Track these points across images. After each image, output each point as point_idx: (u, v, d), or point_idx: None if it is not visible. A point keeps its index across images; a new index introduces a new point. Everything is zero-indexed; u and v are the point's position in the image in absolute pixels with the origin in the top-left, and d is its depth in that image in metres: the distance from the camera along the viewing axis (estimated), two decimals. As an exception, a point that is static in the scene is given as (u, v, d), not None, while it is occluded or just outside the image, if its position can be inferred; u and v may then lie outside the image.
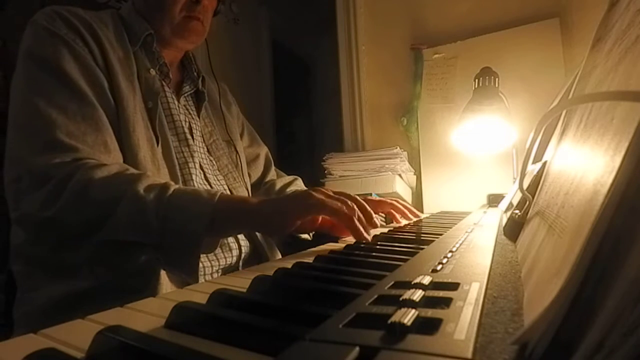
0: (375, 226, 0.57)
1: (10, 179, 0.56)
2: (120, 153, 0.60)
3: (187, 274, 0.53)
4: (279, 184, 0.91)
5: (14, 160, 0.56)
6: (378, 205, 0.75)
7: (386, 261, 0.36)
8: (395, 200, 0.77)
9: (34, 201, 0.52)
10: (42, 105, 0.55)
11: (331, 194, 0.54)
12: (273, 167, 0.99)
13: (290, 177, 0.97)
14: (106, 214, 0.51)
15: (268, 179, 0.95)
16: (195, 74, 0.80)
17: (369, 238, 0.52)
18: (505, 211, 0.75)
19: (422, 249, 0.40)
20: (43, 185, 0.52)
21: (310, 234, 0.79)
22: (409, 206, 0.78)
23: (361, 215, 0.54)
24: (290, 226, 0.52)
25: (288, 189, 0.90)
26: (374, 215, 0.57)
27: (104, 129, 0.58)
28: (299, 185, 0.95)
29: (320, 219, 0.61)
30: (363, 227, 0.52)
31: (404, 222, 0.79)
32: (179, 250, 0.50)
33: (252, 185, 0.90)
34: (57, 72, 0.57)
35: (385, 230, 0.67)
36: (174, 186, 0.53)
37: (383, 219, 0.86)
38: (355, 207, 0.53)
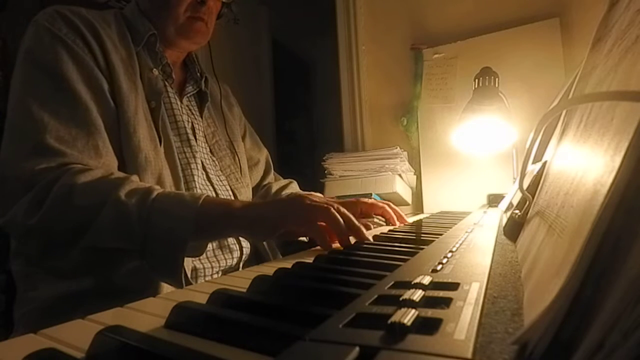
0: (361, 237, 0.51)
1: None
2: (113, 157, 0.60)
3: (171, 279, 0.52)
4: (274, 187, 0.92)
5: (2, 162, 0.55)
6: (370, 207, 0.76)
7: (386, 261, 0.36)
8: (386, 204, 0.77)
9: (18, 208, 0.52)
10: (35, 108, 0.54)
11: (318, 201, 0.51)
12: (272, 171, 0.99)
13: (286, 181, 0.97)
14: (89, 220, 0.50)
15: (266, 182, 0.96)
16: (198, 74, 0.80)
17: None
18: (505, 211, 0.75)
19: (422, 249, 0.40)
20: (26, 191, 0.52)
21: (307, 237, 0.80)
22: (398, 211, 0.78)
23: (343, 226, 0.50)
24: (274, 232, 0.51)
25: (283, 192, 0.91)
26: (356, 222, 0.52)
27: (96, 132, 0.57)
28: (294, 188, 0.95)
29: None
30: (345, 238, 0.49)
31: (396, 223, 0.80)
32: (162, 255, 0.50)
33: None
34: (53, 75, 0.57)
35: (385, 230, 0.67)
36: (157, 190, 0.52)
37: (383, 220, 0.87)
38: (339, 218, 0.49)
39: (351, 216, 0.51)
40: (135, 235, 0.49)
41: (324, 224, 0.50)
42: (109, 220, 0.49)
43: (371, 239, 0.52)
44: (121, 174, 0.56)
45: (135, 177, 0.57)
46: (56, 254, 0.54)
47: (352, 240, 0.51)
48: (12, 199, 0.53)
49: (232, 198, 0.78)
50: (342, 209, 0.51)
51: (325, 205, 0.50)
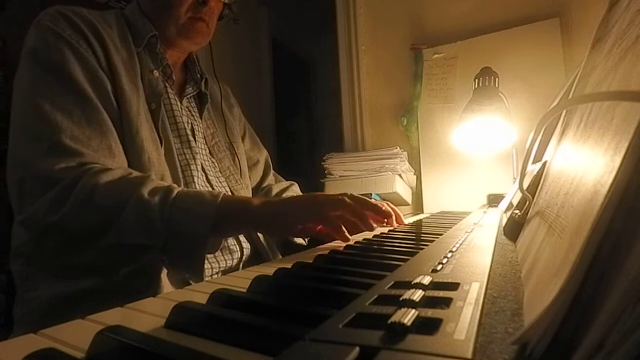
0: (381, 213, 0.60)
1: (13, 181, 0.55)
2: (124, 156, 0.60)
3: (192, 275, 0.55)
4: (275, 190, 0.91)
5: (18, 162, 0.55)
6: None
7: (386, 261, 0.36)
8: (386, 203, 0.77)
9: (40, 205, 0.52)
10: (47, 108, 0.55)
11: (331, 195, 0.56)
12: (272, 172, 0.99)
13: (287, 183, 0.97)
14: (112, 219, 0.52)
15: (266, 183, 0.95)
16: (198, 75, 0.80)
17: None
18: (505, 211, 0.75)
19: (422, 249, 0.40)
20: (48, 189, 0.52)
21: (306, 239, 0.80)
22: (397, 211, 0.78)
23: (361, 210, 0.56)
24: (291, 229, 0.55)
25: (284, 195, 0.90)
26: (371, 201, 0.59)
27: (108, 133, 0.58)
28: (295, 191, 0.95)
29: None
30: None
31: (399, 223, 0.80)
32: (184, 252, 0.52)
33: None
34: (61, 75, 0.57)
35: (385, 230, 0.67)
36: (177, 188, 0.54)
37: None
38: (354, 204, 0.55)
39: (365, 199, 0.57)
40: (157, 232, 0.51)
41: (340, 213, 0.54)
42: (132, 219, 0.51)
43: (393, 211, 0.63)
44: (140, 173, 0.58)
45: (153, 176, 0.58)
46: (74, 251, 0.55)
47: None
48: (31, 198, 0.53)
49: None
50: (356, 196, 0.56)
51: (339, 196, 0.55)
